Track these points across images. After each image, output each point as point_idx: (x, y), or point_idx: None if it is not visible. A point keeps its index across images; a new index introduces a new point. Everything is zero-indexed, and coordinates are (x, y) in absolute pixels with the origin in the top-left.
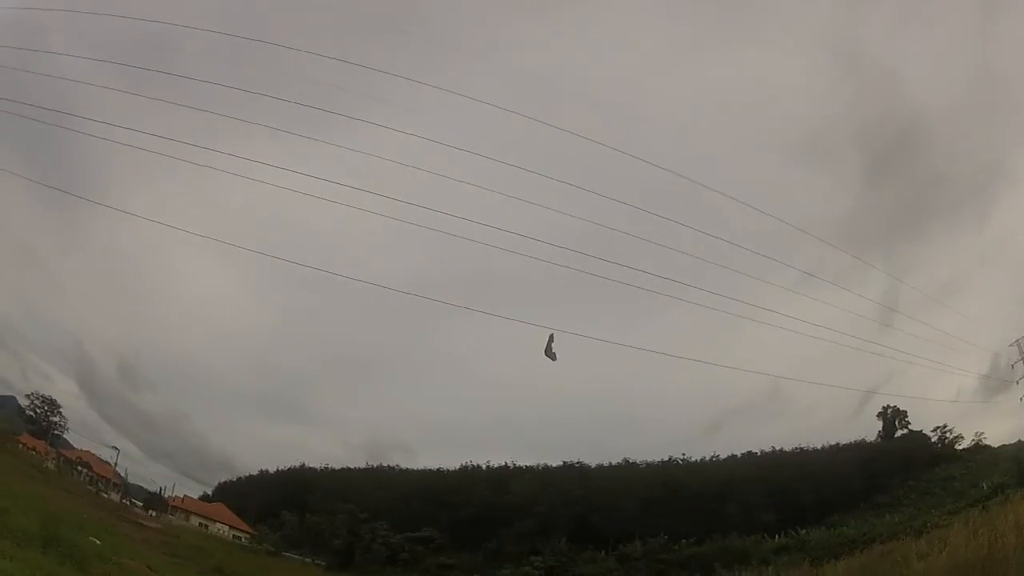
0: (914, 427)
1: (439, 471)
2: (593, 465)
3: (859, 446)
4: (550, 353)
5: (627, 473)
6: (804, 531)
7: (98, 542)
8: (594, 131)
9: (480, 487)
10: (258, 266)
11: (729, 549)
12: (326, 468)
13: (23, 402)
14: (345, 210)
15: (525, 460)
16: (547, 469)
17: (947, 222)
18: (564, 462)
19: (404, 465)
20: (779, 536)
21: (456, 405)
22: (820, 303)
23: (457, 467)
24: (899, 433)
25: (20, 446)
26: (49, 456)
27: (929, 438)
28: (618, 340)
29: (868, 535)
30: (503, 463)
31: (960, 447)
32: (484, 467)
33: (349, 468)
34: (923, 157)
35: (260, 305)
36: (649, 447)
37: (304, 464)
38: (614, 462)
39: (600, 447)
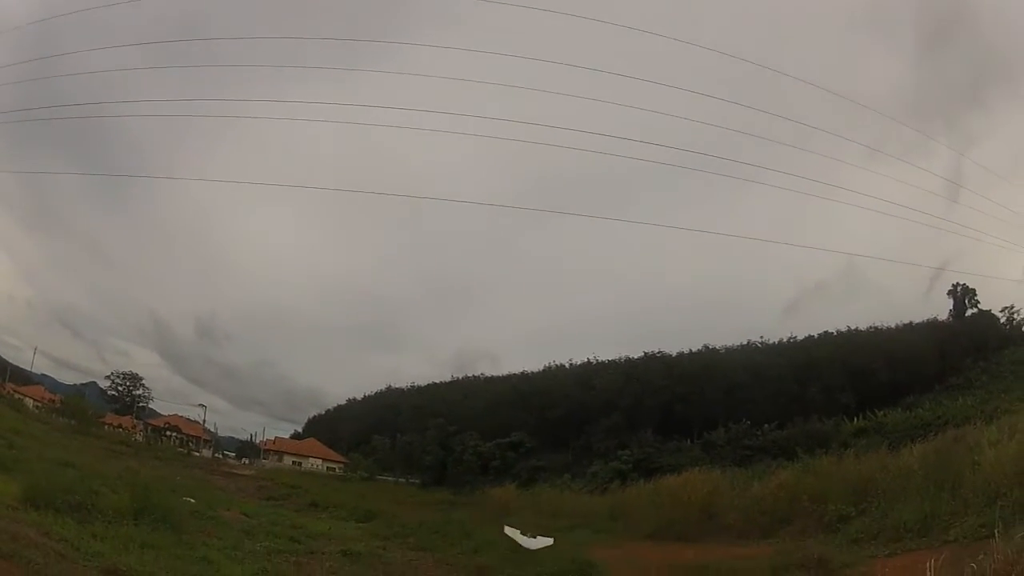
0: (983, 307)
1: (523, 374)
2: (674, 354)
3: (931, 325)
4: (532, 541)
5: (708, 360)
6: (882, 413)
7: (192, 500)
8: (649, 23)
9: (565, 386)
10: (339, 206)
11: (810, 432)
12: (413, 386)
13: (104, 384)
14: (417, 134)
15: (607, 354)
16: (629, 361)
17: (1008, 97)
18: (645, 353)
19: (489, 373)
20: (858, 418)
21: (538, 309)
22: (887, 178)
23: (541, 368)
24: (969, 312)
25: (106, 427)
26: (136, 429)
27: (997, 318)
28: (693, 227)
29: (942, 418)
30: (585, 359)
31: None
32: (568, 365)
33: (435, 383)
34: (978, 28)
35: (342, 240)
36: (729, 332)
37: (391, 386)
38: (695, 349)
39: (681, 335)
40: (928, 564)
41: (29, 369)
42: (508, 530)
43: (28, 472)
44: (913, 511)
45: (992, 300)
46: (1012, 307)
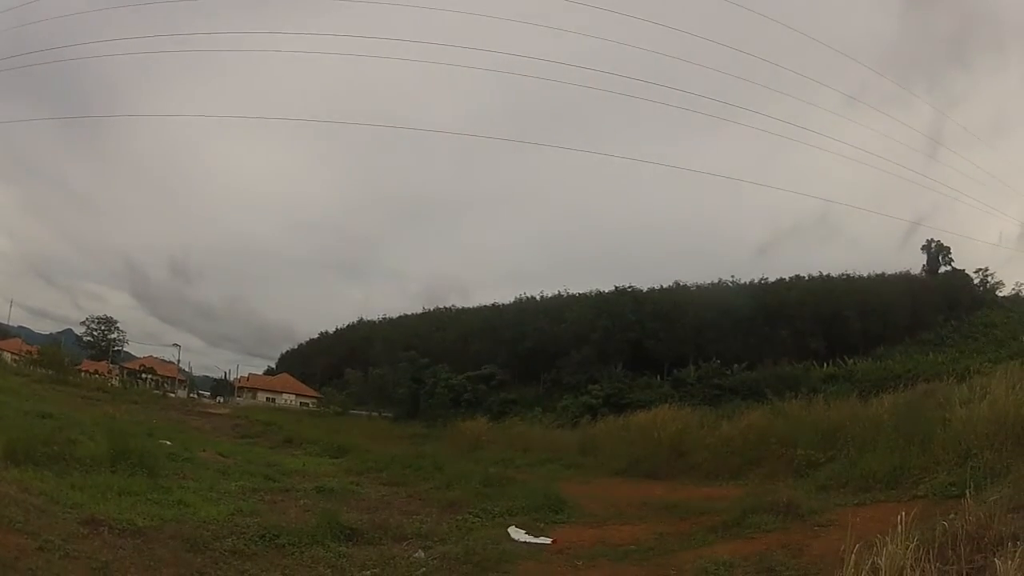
0: (957, 266)
1: (495, 306)
2: (645, 289)
3: (904, 278)
4: (534, 539)
5: (679, 296)
6: (852, 361)
7: (168, 443)
8: None
9: (536, 318)
10: (308, 138)
11: (780, 375)
12: (384, 318)
13: (79, 331)
14: (388, 64)
15: (578, 288)
16: (600, 295)
17: (992, 61)
18: (616, 287)
19: (461, 305)
20: (827, 364)
21: (509, 240)
22: (865, 128)
23: (512, 301)
24: (943, 270)
25: (82, 374)
26: (112, 373)
27: (971, 279)
28: (668, 163)
29: (912, 371)
30: (557, 292)
31: (1001, 294)
32: (539, 298)
33: (407, 315)
34: None
35: (310, 172)
36: (699, 269)
37: (362, 318)
38: (665, 285)
39: (652, 270)
40: (899, 517)
41: (6, 322)
42: (513, 531)
43: (7, 428)
44: (882, 462)
45: (966, 260)
46: (987, 269)
